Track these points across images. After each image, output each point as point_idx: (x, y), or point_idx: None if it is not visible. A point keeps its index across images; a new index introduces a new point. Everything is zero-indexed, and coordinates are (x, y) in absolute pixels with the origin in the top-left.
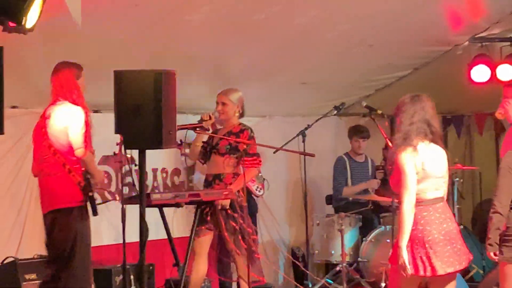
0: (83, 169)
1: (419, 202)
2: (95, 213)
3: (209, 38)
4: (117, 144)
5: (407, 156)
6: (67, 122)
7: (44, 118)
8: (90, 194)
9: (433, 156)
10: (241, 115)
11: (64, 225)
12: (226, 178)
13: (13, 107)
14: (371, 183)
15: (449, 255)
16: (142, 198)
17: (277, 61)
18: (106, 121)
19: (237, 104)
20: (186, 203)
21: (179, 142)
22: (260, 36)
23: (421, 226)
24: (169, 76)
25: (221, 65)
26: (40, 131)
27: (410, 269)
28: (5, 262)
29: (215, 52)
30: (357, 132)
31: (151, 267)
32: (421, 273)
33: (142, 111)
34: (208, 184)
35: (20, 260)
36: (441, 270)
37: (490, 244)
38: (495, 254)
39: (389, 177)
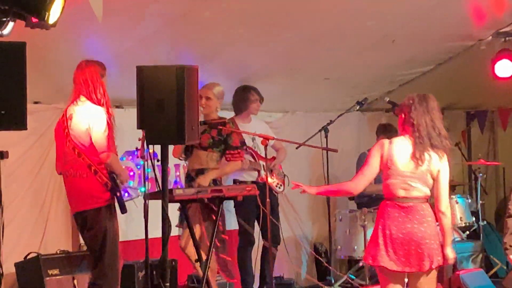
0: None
1: (387, 198)
2: (124, 210)
3: (231, 34)
4: (139, 140)
5: (375, 147)
6: (89, 124)
7: (65, 118)
8: (118, 194)
9: (407, 155)
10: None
11: (94, 224)
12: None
13: (36, 102)
14: None
15: (403, 255)
16: (164, 194)
17: (300, 56)
18: (128, 117)
19: (219, 98)
20: (208, 199)
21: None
22: (283, 31)
23: (382, 219)
24: (192, 72)
25: (243, 60)
26: (63, 132)
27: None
28: (28, 257)
29: (237, 48)
30: (385, 131)
31: (173, 263)
32: (369, 261)
33: (165, 106)
34: (190, 179)
35: (43, 255)
36: (388, 264)
37: (506, 248)
38: None
39: None
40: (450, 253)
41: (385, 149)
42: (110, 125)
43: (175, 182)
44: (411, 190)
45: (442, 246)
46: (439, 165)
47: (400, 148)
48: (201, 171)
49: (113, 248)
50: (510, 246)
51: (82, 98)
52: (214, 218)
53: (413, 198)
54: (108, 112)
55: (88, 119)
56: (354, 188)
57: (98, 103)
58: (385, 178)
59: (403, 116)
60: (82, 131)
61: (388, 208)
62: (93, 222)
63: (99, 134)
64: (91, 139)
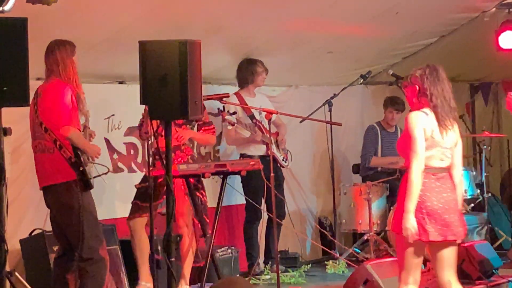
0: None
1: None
2: (88, 187)
3: (234, 8)
4: (142, 115)
5: (418, 120)
6: (53, 100)
7: (36, 95)
8: (81, 169)
9: (437, 127)
10: None
11: (66, 199)
12: (186, 149)
13: (38, 79)
14: (399, 158)
15: (444, 224)
16: (168, 169)
17: (303, 30)
18: (131, 93)
19: None
20: (212, 174)
21: (221, 109)
22: (286, 5)
23: (421, 192)
24: (194, 46)
25: (246, 35)
26: (33, 108)
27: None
28: (33, 234)
29: (240, 22)
30: (393, 103)
31: (178, 238)
32: (426, 238)
33: (168, 81)
34: None
35: (48, 232)
36: (432, 236)
37: None
38: None
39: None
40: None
41: (425, 122)
42: (74, 102)
43: None
44: (444, 161)
45: None
46: (457, 135)
47: (431, 119)
48: (178, 148)
49: (92, 222)
50: None
51: (53, 77)
52: (197, 194)
53: (445, 168)
54: (75, 89)
55: (53, 96)
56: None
57: (67, 80)
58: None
59: (417, 88)
60: (49, 107)
61: (424, 180)
62: (64, 196)
63: (61, 109)
64: (55, 114)
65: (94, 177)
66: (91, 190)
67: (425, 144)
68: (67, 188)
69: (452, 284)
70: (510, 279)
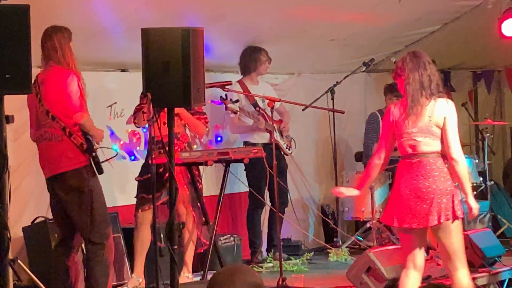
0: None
1: (401, 157)
2: (100, 171)
3: None
4: (145, 103)
5: (386, 115)
6: (61, 87)
7: (38, 83)
8: (93, 154)
9: (413, 112)
10: None
11: (77, 185)
12: (182, 136)
13: (40, 67)
14: None
15: (410, 211)
16: (171, 157)
17: (306, 18)
18: (134, 80)
19: None
20: (215, 162)
21: (224, 97)
22: None
23: (396, 178)
24: (197, 34)
25: (249, 22)
26: (36, 97)
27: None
28: (35, 222)
29: (243, 10)
30: (392, 90)
31: (181, 226)
32: (391, 223)
33: (171, 69)
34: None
35: (50, 219)
36: (395, 222)
37: None
38: None
39: None
40: (473, 203)
41: (393, 113)
42: (81, 88)
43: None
44: (417, 146)
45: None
46: (444, 112)
47: (402, 107)
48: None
49: (102, 208)
50: None
51: (52, 63)
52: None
53: (421, 154)
54: (79, 75)
55: (60, 82)
56: (379, 162)
57: (67, 66)
58: (397, 139)
59: (402, 78)
60: (55, 95)
61: (400, 167)
62: (74, 183)
63: (70, 95)
64: (63, 102)
65: (102, 162)
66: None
67: (396, 134)
68: (78, 175)
69: (454, 271)
70: None
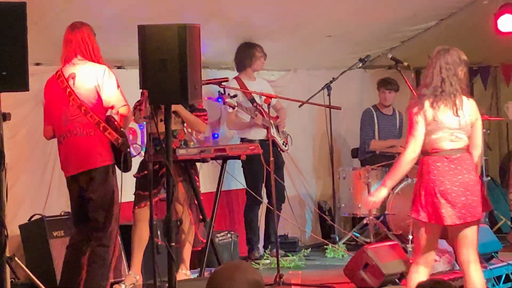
0: (116, 125)
1: (433, 153)
2: (128, 169)
3: None
4: (142, 100)
5: (415, 107)
6: (98, 82)
7: (64, 78)
8: (129, 149)
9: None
10: None
11: (102, 183)
12: (179, 134)
13: (37, 64)
14: (400, 142)
15: (461, 207)
16: (168, 153)
17: (302, 14)
18: (130, 77)
19: None
20: (212, 158)
21: (222, 92)
22: None
23: (434, 176)
24: (194, 30)
25: (245, 19)
26: (64, 92)
27: (424, 217)
28: (32, 219)
29: (239, 6)
30: (384, 83)
31: (178, 223)
32: (428, 220)
33: (167, 65)
34: (159, 143)
35: (47, 217)
36: (449, 220)
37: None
38: None
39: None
40: None
41: (425, 105)
42: (118, 82)
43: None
44: (457, 142)
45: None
46: (475, 113)
47: (437, 103)
48: (171, 133)
49: (118, 210)
50: None
51: (80, 57)
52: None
53: (460, 149)
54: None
55: (96, 77)
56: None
57: (97, 61)
58: (428, 134)
59: None
60: (90, 89)
61: (437, 163)
62: (101, 181)
63: (113, 90)
64: (98, 97)
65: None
66: None
67: (430, 127)
68: (106, 173)
69: (470, 263)
70: (510, 262)
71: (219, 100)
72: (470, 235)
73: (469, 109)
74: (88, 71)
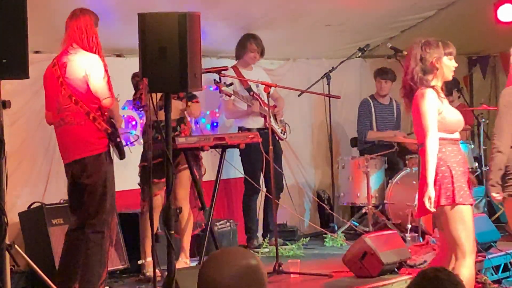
0: (106, 115)
1: (444, 140)
2: (123, 156)
3: None
4: (141, 88)
5: (430, 96)
6: (86, 71)
7: (58, 66)
8: (118, 139)
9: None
10: None
11: (94, 170)
12: (186, 122)
13: (36, 52)
14: (396, 132)
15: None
16: (168, 142)
17: (301, 3)
18: (130, 66)
19: None
20: (211, 147)
21: (218, 80)
22: None
23: (447, 161)
24: (194, 19)
25: (244, 7)
26: (57, 80)
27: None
28: (32, 207)
29: None
30: (380, 73)
31: (178, 211)
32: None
33: (167, 54)
34: (173, 129)
35: (47, 205)
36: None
37: (492, 185)
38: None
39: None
40: None
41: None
42: (107, 73)
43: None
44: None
45: None
46: None
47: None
48: (181, 120)
49: (113, 195)
50: (498, 183)
51: (75, 45)
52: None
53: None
54: (103, 60)
55: (85, 67)
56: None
57: (91, 50)
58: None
59: None
60: (79, 79)
61: (449, 147)
62: (93, 168)
63: (99, 81)
64: (88, 86)
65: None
66: None
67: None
68: (98, 160)
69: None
70: (508, 251)
71: (211, 88)
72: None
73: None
74: (79, 61)
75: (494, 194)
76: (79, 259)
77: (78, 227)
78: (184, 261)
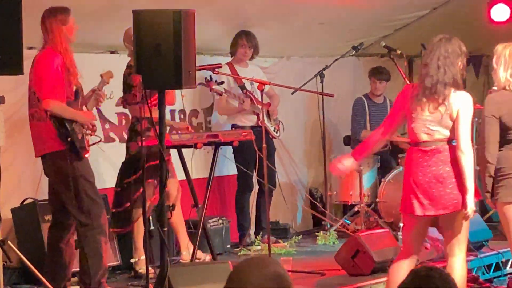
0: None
1: (412, 143)
2: (78, 157)
3: None
4: (135, 85)
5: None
6: (41, 70)
7: (32, 64)
8: (69, 139)
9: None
10: None
11: (56, 167)
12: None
13: (30, 48)
14: None
15: (431, 198)
16: (161, 139)
17: (295, 1)
18: (123, 62)
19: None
20: (204, 144)
21: (208, 79)
22: None
23: (409, 167)
24: (188, 16)
25: (238, 5)
26: (30, 77)
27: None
28: (24, 203)
29: None
30: (375, 73)
31: (171, 208)
32: (401, 210)
33: (162, 51)
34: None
35: (40, 201)
36: (418, 211)
37: (488, 192)
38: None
39: None
40: (469, 201)
41: (407, 95)
42: (59, 73)
43: None
44: (432, 134)
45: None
46: (459, 105)
47: (417, 91)
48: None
49: (89, 188)
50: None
51: (45, 45)
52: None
53: (436, 141)
54: (65, 58)
55: (41, 66)
56: (385, 138)
57: (56, 50)
58: (409, 123)
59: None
60: (37, 77)
61: (413, 155)
62: (59, 165)
63: (41, 81)
64: (40, 86)
65: (90, 146)
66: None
67: (409, 116)
68: (62, 156)
69: (450, 257)
70: (500, 251)
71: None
72: (452, 227)
73: (453, 101)
74: (40, 59)
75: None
76: (63, 255)
77: (55, 224)
78: (185, 254)
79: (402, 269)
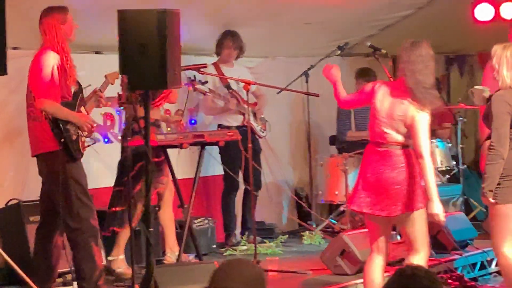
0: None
1: (370, 141)
2: (72, 158)
3: None
4: (121, 85)
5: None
6: (36, 70)
7: (31, 62)
8: (62, 140)
9: (389, 99)
10: None
11: (50, 168)
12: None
13: (15, 48)
14: None
15: (375, 198)
16: (147, 139)
17: (281, 1)
18: (108, 62)
19: None
20: (190, 144)
21: (192, 78)
22: None
23: (363, 163)
24: (173, 16)
25: (223, 5)
26: (28, 75)
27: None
28: (9, 204)
29: None
30: (363, 74)
31: (156, 208)
32: (347, 205)
33: (147, 51)
34: (158, 126)
35: (24, 202)
36: (359, 207)
37: (491, 190)
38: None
39: None
40: (433, 208)
41: (376, 91)
42: (54, 73)
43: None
44: (386, 136)
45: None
46: (414, 113)
47: (385, 92)
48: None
49: (80, 191)
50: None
51: (43, 45)
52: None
53: (388, 144)
54: (62, 58)
55: (36, 65)
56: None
57: (53, 49)
58: (370, 120)
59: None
60: (32, 76)
61: (368, 152)
62: (51, 165)
63: (36, 80)
64: (35, 85)
65: (86, 146)
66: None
67: (371, 113)
68: (54, 157)
69: (410, 254)
70: (485, 249)
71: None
72: (404, 227)
73: (404, 109)
74: (36, 58)
75: (492, 200)
76: (50, 256)
77: (42, 225)
78: (169, 256)
79: (373, 269)
